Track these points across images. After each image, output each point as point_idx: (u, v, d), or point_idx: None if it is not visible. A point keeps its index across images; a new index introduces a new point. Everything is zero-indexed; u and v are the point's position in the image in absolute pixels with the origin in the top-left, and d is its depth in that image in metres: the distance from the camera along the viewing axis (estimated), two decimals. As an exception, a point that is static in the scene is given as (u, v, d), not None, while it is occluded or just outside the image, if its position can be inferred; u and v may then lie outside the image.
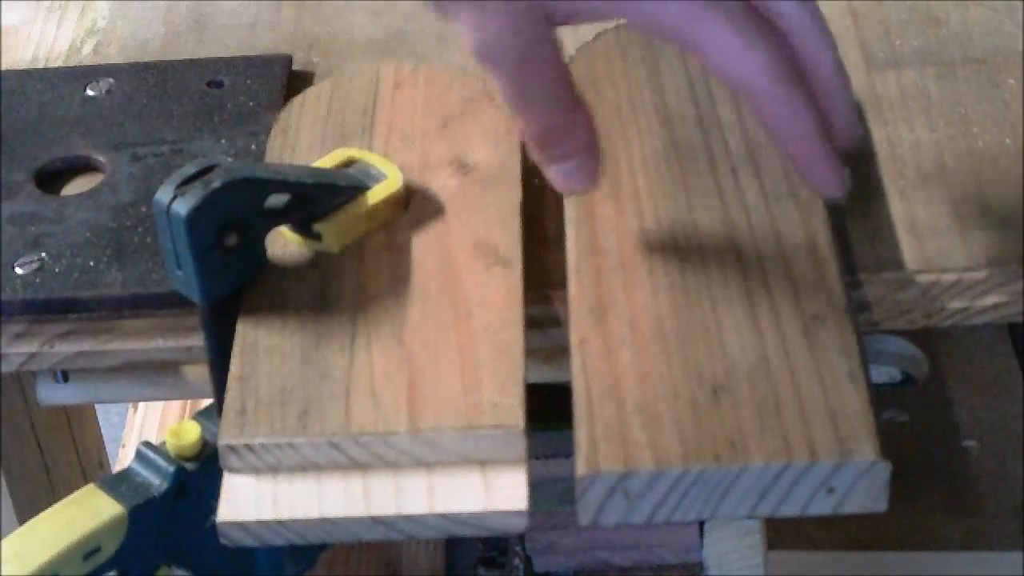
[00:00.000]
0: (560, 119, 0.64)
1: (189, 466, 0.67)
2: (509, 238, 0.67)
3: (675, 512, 0.57)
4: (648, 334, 0.61)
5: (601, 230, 0.66)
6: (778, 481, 0.57)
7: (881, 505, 0.57)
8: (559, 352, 0.68)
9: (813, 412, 0.58)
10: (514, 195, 0.69)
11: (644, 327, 0.62)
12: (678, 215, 0.67)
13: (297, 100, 0.77)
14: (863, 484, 0.57)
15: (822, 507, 0.57)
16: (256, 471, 0.61)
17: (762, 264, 0.64)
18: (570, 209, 0.68)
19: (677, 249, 0.65)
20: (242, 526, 0.59)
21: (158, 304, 0.69)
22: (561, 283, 0.66)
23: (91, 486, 0.68)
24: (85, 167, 0.76)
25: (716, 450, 0.57)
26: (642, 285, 0.64)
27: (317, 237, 0.67)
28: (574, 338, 0.62)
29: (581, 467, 0.57)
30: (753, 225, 0.66)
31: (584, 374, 0.60)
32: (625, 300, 0.63)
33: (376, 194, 0.68)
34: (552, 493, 1.46)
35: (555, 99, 0.63)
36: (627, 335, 0.62)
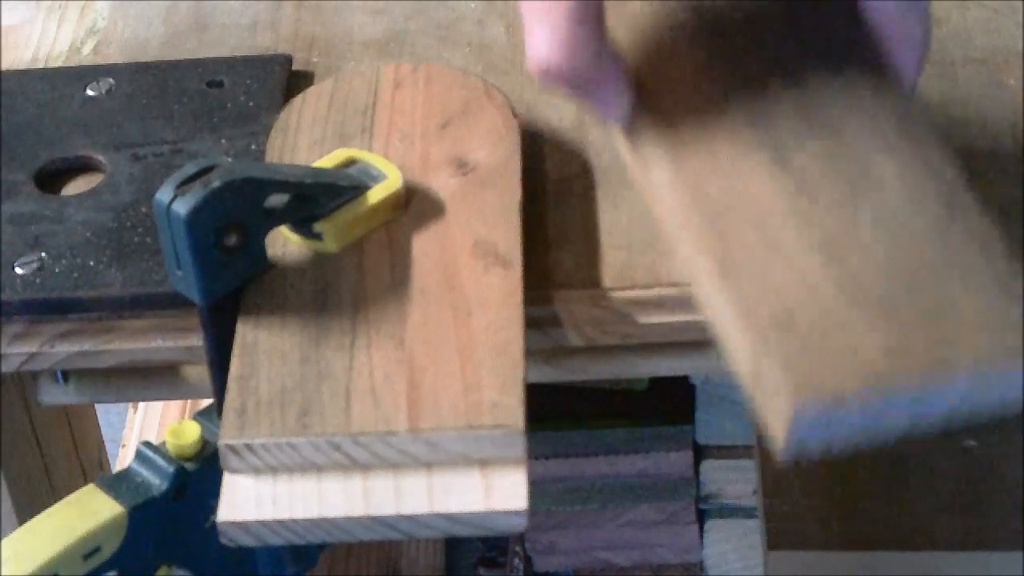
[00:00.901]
0: (565, 58, 0.58)
1: (189, 466, 0.67)
2: (509, 238, 0.67)
3: (877, 436, 0.54)
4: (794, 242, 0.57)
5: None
6: (978, 391, 0.54)
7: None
8: (559, 352, 0.68)
9: (987, 318, 0.55)
10: (514, 195, 0.69)
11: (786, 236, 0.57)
12: None
13: (297, 100, 0.77)
14: None
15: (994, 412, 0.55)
16: (256, 471, 0.61)
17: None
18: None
19: None
20: (242, 526, 0.59)
21: (158, 304, 0.69)
22: (562, 283, 0.66)
23: (91, 486, 0.68)
24: (85, 167, 0.76)
25: (924, 362, 0.54)
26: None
27: (317, 237, 0.67)
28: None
29: (787, 399, 0.53)
30: None
31: (741, 299, 0.56)
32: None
33: (376, 194, 0.68)
34: (552, 493, 1.46)
35: (568, 34, 0.57)
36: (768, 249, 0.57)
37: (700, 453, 1.44)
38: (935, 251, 0.57)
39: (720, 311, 0.57)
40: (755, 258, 0.57)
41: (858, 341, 0.55)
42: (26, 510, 0.87)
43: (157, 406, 1.23)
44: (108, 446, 1.10)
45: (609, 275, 0.69)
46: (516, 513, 0.59)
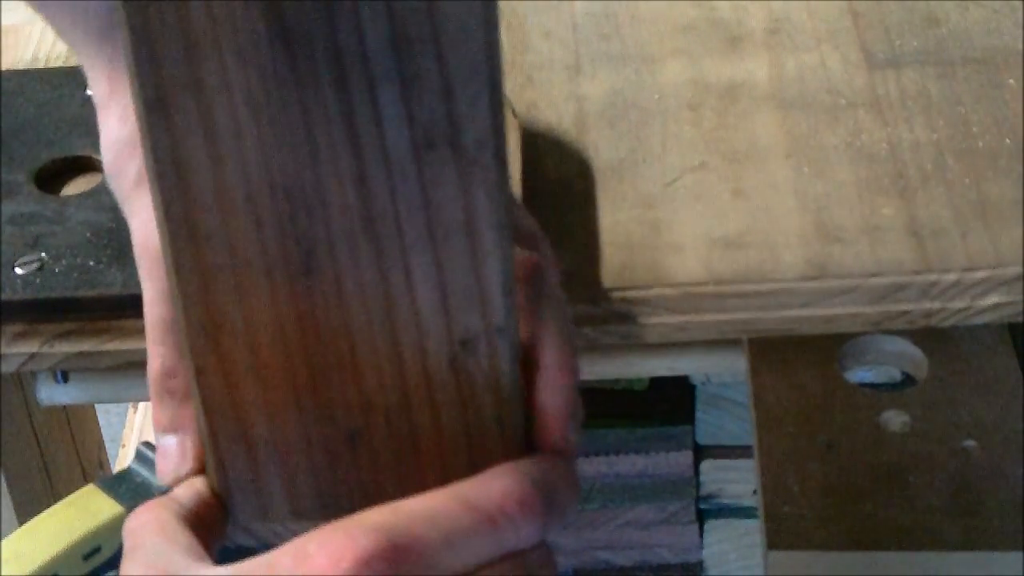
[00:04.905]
0: None
1: (189, 466, 0.67)
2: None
3: None
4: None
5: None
6: None
7: None
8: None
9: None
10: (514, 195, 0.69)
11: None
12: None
13: (297, 100, 0.76)
14: None
15: None
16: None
17: None
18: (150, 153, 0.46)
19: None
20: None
21: (158, 304, 0.69)
22: (562, 283, 0.66)
23: (91, 486, 0.68)
24: (85, 167, 0.76)
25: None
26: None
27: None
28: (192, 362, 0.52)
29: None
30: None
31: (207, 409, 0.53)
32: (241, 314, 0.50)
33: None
34: (552, 493, 1.46)
35: None
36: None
37: (700, 453, 1.44)
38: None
39: None
40: None
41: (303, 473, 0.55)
42: (26, 510, 0.87)
43: (157, 406, 1.23)
44: (108, 446, 1.10)
45: (609, 275, 0.69)
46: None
